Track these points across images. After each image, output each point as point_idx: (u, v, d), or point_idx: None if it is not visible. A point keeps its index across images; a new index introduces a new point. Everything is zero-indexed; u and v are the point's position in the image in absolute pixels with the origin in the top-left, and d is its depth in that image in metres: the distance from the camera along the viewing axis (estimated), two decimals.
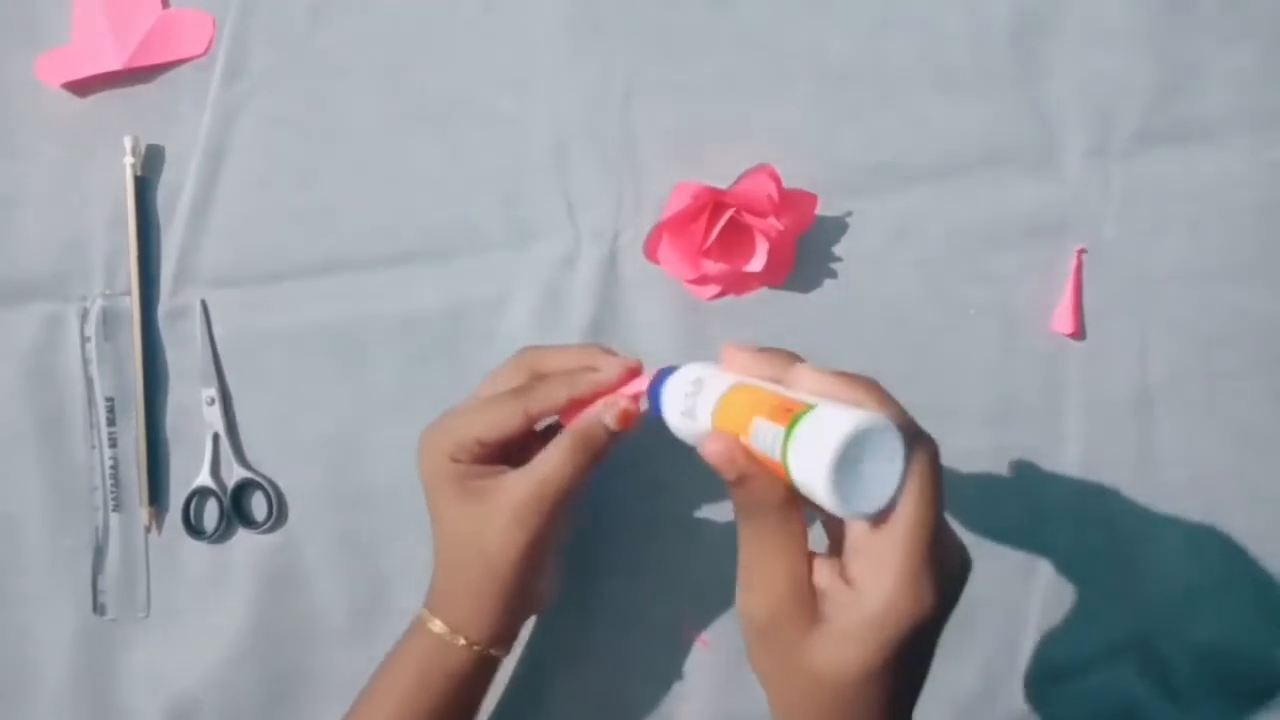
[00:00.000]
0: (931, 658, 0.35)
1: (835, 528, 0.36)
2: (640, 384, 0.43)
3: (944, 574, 0.33)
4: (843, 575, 0.33)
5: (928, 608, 0.32)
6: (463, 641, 0.45)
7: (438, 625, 0.45)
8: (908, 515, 0.31)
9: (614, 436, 0.43)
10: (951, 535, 0.34)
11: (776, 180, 0.51)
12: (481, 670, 0.47)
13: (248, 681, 0.55)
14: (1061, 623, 0.53)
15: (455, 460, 0.44)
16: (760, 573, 0.34)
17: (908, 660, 0.33)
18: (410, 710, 0.45)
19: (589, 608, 0.54)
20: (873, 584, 0.32)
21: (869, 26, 0.55)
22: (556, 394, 0.43)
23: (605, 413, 0.42)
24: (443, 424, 0.45)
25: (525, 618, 0.49)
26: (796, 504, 0.33)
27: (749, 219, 0.51)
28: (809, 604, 0.33)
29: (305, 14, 0.57)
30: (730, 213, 0.51)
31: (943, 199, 0.54)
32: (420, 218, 0.56)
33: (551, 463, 0.42)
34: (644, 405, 0.43)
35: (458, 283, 0.56)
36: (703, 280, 0.53)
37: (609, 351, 0.45)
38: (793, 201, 0.52)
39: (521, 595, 0.45)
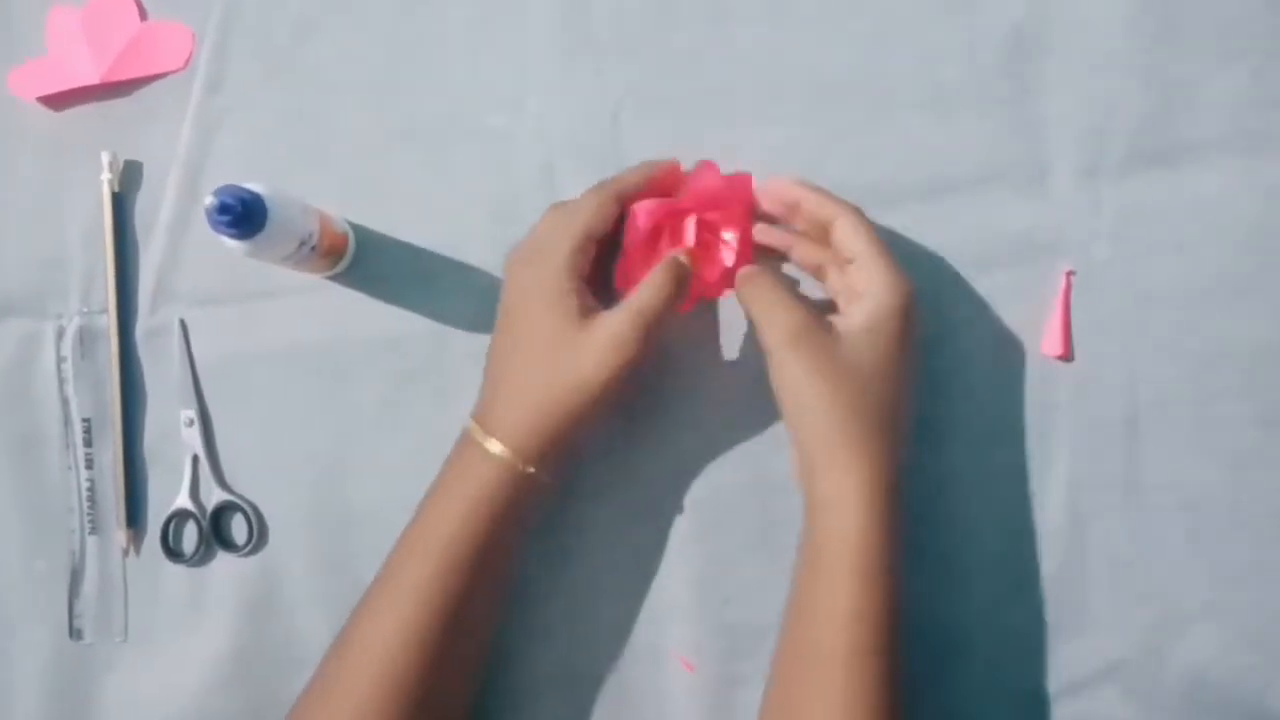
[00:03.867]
0: (912, 382, 0.48)
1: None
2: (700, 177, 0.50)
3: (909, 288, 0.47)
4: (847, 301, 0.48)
5: (911, 282, 0.47)
6: (524, 467, 0.46)
7: (496, 447, 0.46)
8: (866, 234, 0.47)
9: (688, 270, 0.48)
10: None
11: (715, 170, 0.50)
12: (534, 496, 0.48)
13: (227, 707, 0.54)
14: (1049, 646, 0.53)
15: (569, 281, 0.46)
16: (781, 304, 0.47)
17: (907, 346, 0.47)
18: (467, 534, 0.46)
19: (575, 632, 0.54)
20: (871, 283, 0.46)
21: (861, 46, 0.54)
22: (636, 174, 0.49)
23: (679, 253, 0.49)
24: (544, 237, 0.48)
25: (574, 446, 0.49)
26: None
27: (710, 220, 0.51)
28: (824, 319, 0.47)
29: (288, 27, 0.56)
30: (693, 221, 0.50)
31: (932, 218, 0.54)
32: (406, 236, 0.55)
33: (645, 294, 0.47)
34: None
35: (443, 302, 0.55)
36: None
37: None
38: (737, 185, 0.51)
39: (588, 423, 0.47)
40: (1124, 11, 0.54)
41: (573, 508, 0.53)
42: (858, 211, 0.48)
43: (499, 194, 0.55)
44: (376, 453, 0.54)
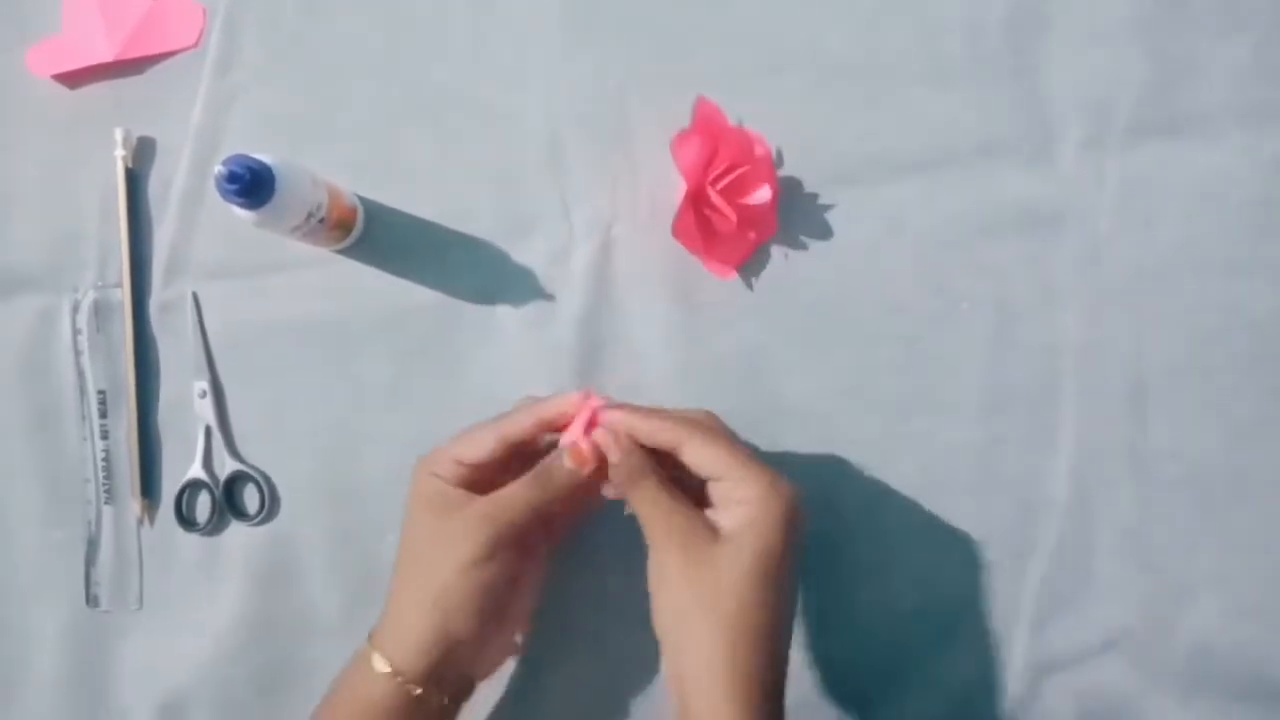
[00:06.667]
0: (795, 592, 0.45)
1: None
2: (592, 405, 0.46)
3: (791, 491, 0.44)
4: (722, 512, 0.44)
5: (789, 498, 0.43)
6: (389, 672, 0.43)
7: (375, 658, 0.44)
8: (723, 450, 0.44)
9: (572, 475, 0.45)
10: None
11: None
12: (419, 713, 0.44)
13: (240, 674, 0.55)
14: (1053, 616, 0.53)
15: (436, 476, 0.45)
16: (670, 514, 0.44)
17: (781, 570, 0.43)
18: None
19: (582, 607, 0.54)
20: (746, 496, 0.43)
21: (864, 19, 0.55)
22: (524, 418, 0.46)
23: (562, 452, 0.45)
24: (432, 451, 0.47)
25: (468, 666, 0.47)
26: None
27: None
28: (708, 526, 0.44)
29: (297, 6, 0.57)
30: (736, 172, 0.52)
31: (937, 190, 0.54)
32: (414, 210, 0.56)
33: (511, 489, 0.45)
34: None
35: (451, 275, 0.55)
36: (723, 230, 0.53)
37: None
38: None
39: (464, 625, 0.44)
40: None
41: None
42: (706, 427, 0.45)
43: (504, 168, 0.56)
44: (386, 423, 0.55)
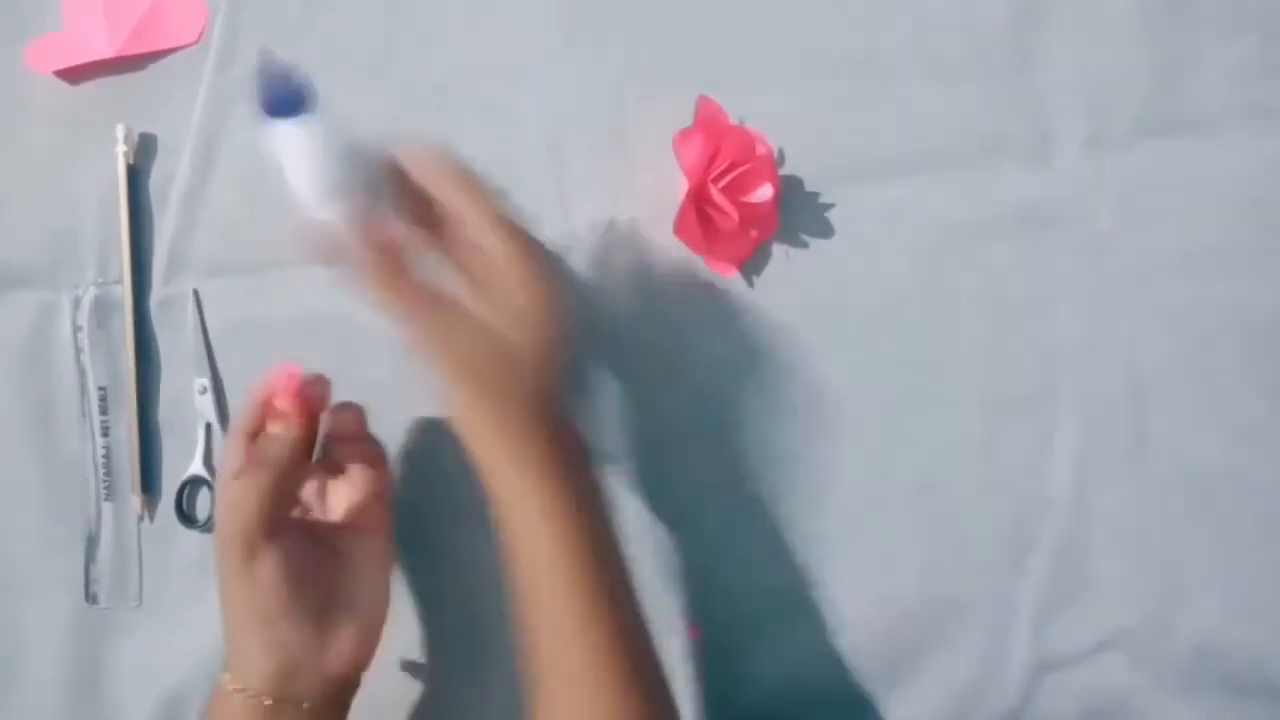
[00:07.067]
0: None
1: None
2: (288, 372, 0.48)
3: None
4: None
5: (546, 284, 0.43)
6: (236, 688, 0.44)
7: (222, 679, 0.45)
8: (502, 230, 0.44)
9: (280, 442, 0.46)
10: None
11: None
12: None
13: None
14: (1053, 615, 0.53)
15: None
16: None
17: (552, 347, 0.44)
18: None
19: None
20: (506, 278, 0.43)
21: (862, 17, 0.55)
22: (245, 409, 0.48)
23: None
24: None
25: (316, 666, 0.46)
26: None
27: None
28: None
29: (299, 3, 0.57)
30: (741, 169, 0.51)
31: (936, 188, 0.54)
32: None
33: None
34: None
35: None
36: (723, 225, 0.52)
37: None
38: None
39: (280, 627, 0.45)
40: None
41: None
42: (489, 204, 0.44)
43: (503, 166, 0.55)
44: (386, 421, 0.55)
